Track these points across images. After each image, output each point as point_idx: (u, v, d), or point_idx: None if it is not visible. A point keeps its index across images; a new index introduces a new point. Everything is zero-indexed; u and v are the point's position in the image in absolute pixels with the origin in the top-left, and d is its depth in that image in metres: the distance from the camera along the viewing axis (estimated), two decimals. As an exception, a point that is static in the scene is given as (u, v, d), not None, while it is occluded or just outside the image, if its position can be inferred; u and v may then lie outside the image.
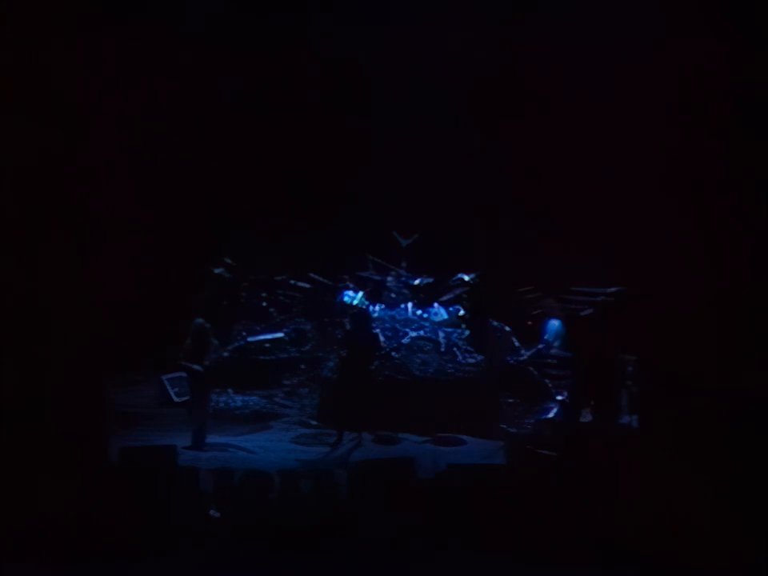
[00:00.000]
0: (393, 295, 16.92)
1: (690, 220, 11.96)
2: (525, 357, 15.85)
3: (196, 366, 14.61)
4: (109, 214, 12.39)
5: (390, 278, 16.98)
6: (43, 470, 11.28)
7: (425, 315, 16.78)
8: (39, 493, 11.05)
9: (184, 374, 15.31)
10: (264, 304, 17.75)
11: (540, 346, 15.68)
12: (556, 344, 15.67)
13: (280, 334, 17.43)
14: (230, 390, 16.68)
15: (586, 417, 14.15)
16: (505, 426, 15.05)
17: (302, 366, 17.15)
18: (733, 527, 10.77)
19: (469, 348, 16.33)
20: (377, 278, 17.04)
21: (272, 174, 17.60)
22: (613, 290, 14.78)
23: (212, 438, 14.77)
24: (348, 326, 15.80)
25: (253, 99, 17.10)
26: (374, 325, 16.20)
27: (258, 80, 16.95)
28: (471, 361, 16.09)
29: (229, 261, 17.38)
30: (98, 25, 11.96)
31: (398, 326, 16.52)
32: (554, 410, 14.93)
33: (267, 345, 17.28)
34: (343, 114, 17.30)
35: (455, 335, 16.45)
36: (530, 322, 16.05)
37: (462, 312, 16.82)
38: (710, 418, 11.71)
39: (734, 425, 11.52)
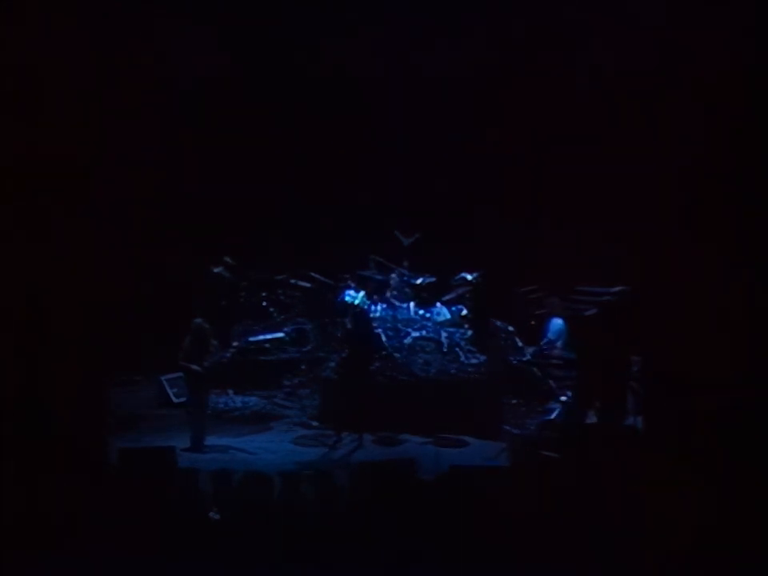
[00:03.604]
0: (395, 293, 16.97)
1: (695, 220, 12.07)
2: (528, 356, 15.90)
3: (195, 367, 14.70)
4: (109, 214, 12.54)
5: (394, 276, 17.01)
6: (43, 470, 11.42)
7: (427, 315, 16.85)
8: (39, 493, 11.19)
9: (183, 375, 15.33)
10: (264, 304, 17.80)
11: (542, 345, 15.74)
12: (559, 343, 15.73)
13: (280, 334, 17.50)
14: (229, 391, 16.75)
15: (590, 418, 14.25)
16: (508, 427, 15.11)
17: (303, 367, 17.17)
18: (737, 528, 10.90)
19: (471, 348, 16.43)
20: (378, 277, 17.08)
21: (272, 173, 17.65)
22: (617, 289, 14.85)
23: (211, 440, 14.90)
24: (349, 326, 15.85)
25: (255, 99, 17.17)
26: (375, 324, 16.29)
27: (261, 81, 17.03)
28: (474, 361, 16.18)
29: (228, 260, 17.43)
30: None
31: (399, 325, 16.60)
32: (558, 411, 15.01)
33: (267, 345, 17.33)
34: (345, 113, 17.36)
35: (458, 335, 16.55)
36: (533, 322, 16.11)
37: (464, 312, 16.87)
38: (715, 419, 11.83)
39: (739, 425, 11.65)
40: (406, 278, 17.03)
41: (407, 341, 16.34)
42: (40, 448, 11.53)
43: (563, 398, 15.02)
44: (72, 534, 10.93)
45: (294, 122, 17.46)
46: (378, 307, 16.83)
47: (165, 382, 16.63)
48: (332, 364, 16.39)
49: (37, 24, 11.62)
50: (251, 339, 17.37)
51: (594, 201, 15.32)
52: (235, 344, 17.26)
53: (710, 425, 11.69)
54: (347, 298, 16.61)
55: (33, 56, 11.64)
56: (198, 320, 14.89)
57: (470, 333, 16.68)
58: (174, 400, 16.42)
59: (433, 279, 17.14)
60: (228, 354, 16.93)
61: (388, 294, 17.03)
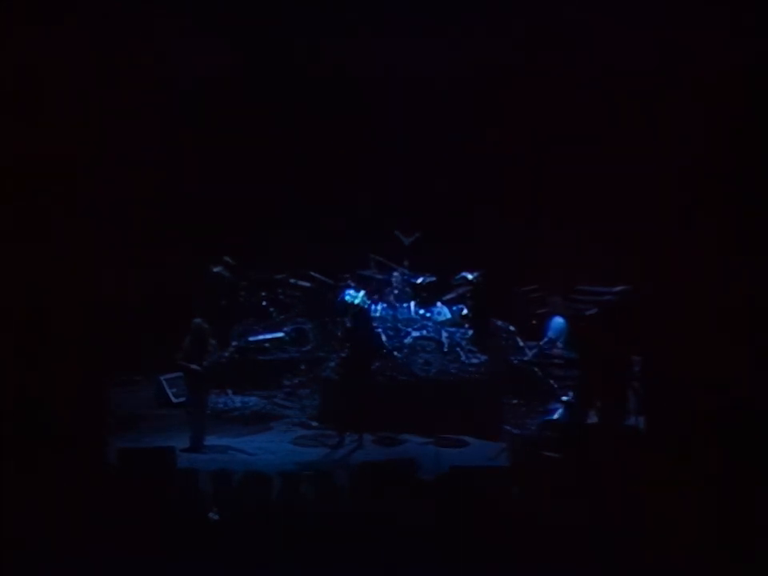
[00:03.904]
0: (396, 291, 17.01)
1: (695, 220, 12.15)
2: (529, 356, 15.93)
3: (194, 366, 14.75)
4: (108, 213, 12.63)
5: (395, 274, 17.05)
6: (43, 470, 11.50)
7: (427, 314, 16.87)
8: (39, 493, 11.27)
9: (182, 375, 15.41)
10: (264, 303, 17.81)
11: (543, 344, 15.78)
12: (559, 342, 15.78)
13: (280, 334, 17.53)
14: (229, 391, 16.78)
15: (592, 418, 14.32)
16: (508, 428, 15.16)
17: (303, 367, 17.19)
18: (737, 528, 10.98)
19: (472, 348, 16.46)
20: (379, 276, 17.12)
21: (272, 172, 17.70)
22: (618, 289, 14.90)
23: (211, 440, 14.95)
24: (349, 326, 15.87)
25: (255, 97, 17.22)
26: (375, 324, 16.33)
27: (261, 79, 17.07)
28: (474, 361, 16.21)
29: (228, 259, 17.46)
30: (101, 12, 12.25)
31: (400, 325, 16.63)
32: (559, 411, 15.04)
33: (267, 345, 17.36)
34: (345, 112, 17.41)
35: (458, 335, 16.57)
36: (534, 322, 16.15)
37: (465, 311, 16.90)
38: (715, 419, 11.91)
39: (739, 425, 11.73)
40: (406, 278, 17.05)
41: (407, 340, 16.38)
42: (40, 448, 11.62)
43: (564, 398, 15.01)
44: (72, 534, 11.00)
45: (293, 122, 17.51)
46: (378, 307, 16.87)
47: (164, 382, 16.65)
48: (332, 364, 16.43)
49: (37, 24, 11.71)
50: (251, 339, 17.40)
51: (595, 201, 15.39)
52: (235, 344, 17.29)
53: (710, 425, 11.78)
54: (347, 298, 16.63)
55: (33, 56, 11.73)
56: (198, 320, 14.95)
57: (470, 332, 16.71)
58: (173, 400, 16.45)
59: (433, 279, 17.15)
60: (227, 354, 16.97)
61: (389, 293, 17.08)
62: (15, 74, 11.73)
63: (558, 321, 15.82)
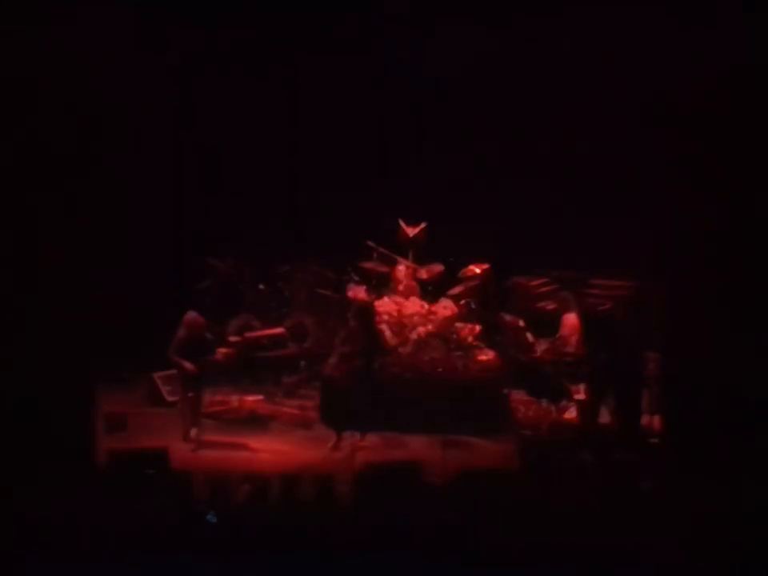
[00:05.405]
0: (400, 287, 17.13)
1: (709, 217, 12.29)
2: (540, 353, 16.00)
3: (189, 363, 14.82)
4: (104, 207, 12.77)
5: (400, 267, 17.14)
6: (30, 472, 11.63)
7: (434, 309, 16.91)
8: (30, 494, 11.39)
9: (177, 372, 15.45)
10: (263, 297, 17.93)
11: (555, 341, 15.86)
12: (573, 339, 15.86)
13: (279, 330, 17.62)
14: (225, 389, 16.81)
15: (605, 417, 14.47)
16: (518, 427, 15.28)
17: (303, 364, 17.32)
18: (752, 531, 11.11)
19: (480, 344, 16.54)
20: (382, 269, 17.21)
21: (273, 162, 17.82)
22: (631, 283, 14.98)
23: (207, 439, 15.02)
24: (351, 321, 15.90)
25: (255, 88, 17.34)
26: (378, 319, 16.40)
27: (261, 69, 17.20)
28: (483, 358, 16.28)
29: (226, 252, 17.61)
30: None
31: (404, 320, 16.69)
32: (571, 410, 15.23)
33: (265, 341, 17.50)
34: (347, 101, 17.53)
35: (465, 330, 16.62)
36: (545, 317, 16.21)
37: (472, 306, 16.97)
38: (732, 420, 12.05)
39: (752, 426, 11.87)
40: (411, 271, 17.14)
41: (412, 336, 16.46)
42: (32, 448, 11.75)
43: (577, 397, 15.13)
44: (65, 535, 11.12)
45: (295, 111, 17.62)
46: (382, 301, 16.91)
47: (158, 380, 16.69)
48: (333, 361, 16.35)
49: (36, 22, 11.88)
50: (249, 334, 17.39)
51: (603, 196, 15.54)
52: (232, 339, 17.37)
53: (724, 425, 11.92)
54: (349, 292, 16.71)
55: (32, 54, 11.90)
56: (193, 313, 15.03)
57: (478, 328, 16.76)
58: (168, 398, 16.48)
59: (440, 272, 17.26)
60: (224, 350, 17.04)
61: (393, 287, 17.18)
62: (14, 73, 11.88)
63: (571, 317, 15.90)
